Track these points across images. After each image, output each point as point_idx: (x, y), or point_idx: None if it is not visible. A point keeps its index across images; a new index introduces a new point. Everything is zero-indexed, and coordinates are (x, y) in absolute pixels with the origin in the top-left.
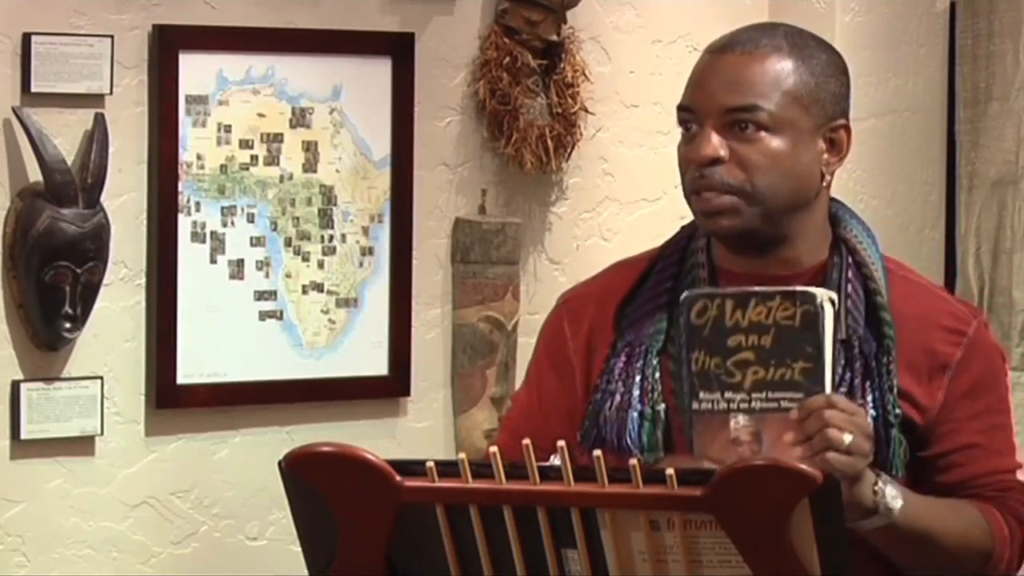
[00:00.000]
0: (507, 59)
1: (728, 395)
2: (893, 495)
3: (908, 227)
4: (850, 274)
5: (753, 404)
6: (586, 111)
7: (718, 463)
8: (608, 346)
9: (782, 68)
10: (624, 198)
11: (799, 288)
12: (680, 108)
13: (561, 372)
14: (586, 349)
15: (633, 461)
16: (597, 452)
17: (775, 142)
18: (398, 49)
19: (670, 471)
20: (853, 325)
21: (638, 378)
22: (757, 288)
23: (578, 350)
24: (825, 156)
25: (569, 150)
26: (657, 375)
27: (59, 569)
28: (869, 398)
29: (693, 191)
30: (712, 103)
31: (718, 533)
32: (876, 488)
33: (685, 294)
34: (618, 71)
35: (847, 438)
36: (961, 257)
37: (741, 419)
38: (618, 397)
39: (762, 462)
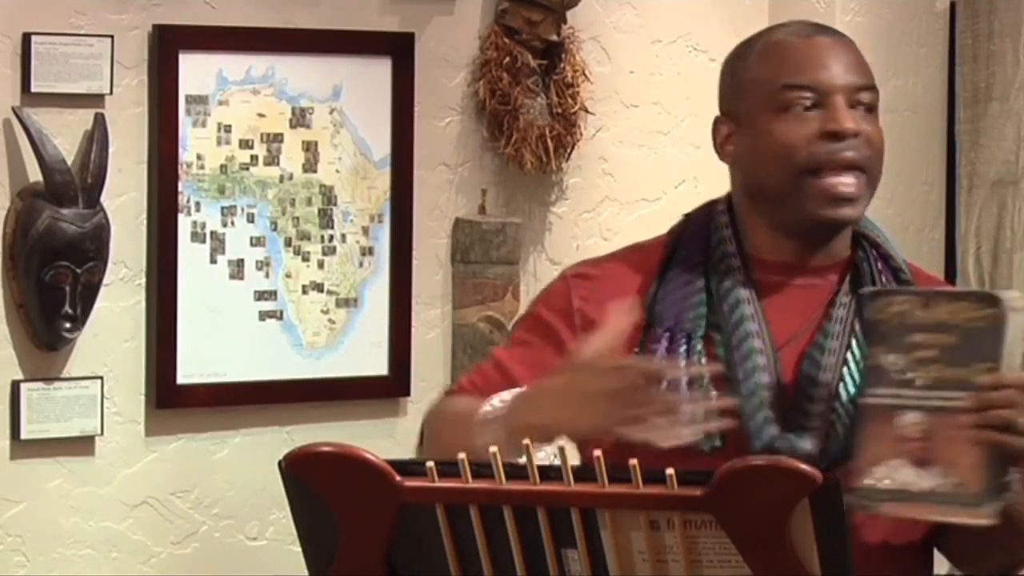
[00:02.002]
0: (507, 59)
1: (901, 392)
2: None
3: (908, 227)
4: (880, 267)
5: (929, 402)
6: (586, 111)
7: (881, 460)
8: (637, 330)
9: (862, 55)
10: (624, 198)
11: (990, 291)
12: (793, 87)
13: (555, 339)
14: (591, 326)
15: (633, 461)
16: (597, 452)
17: (878, 124)
18: (398, 49)
19: (670, 471)
20: None
21: (683, 364)
22: (946, 288)
23: (584, 324)
24: None
25: (569, 150)
26: (704, 362)
27: (59, 569)
28: None
29: (812, 171)
30: (841, 80)
31: (718, 533)
32: None
33: (864, 290)
34: (618, 71)
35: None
36: (961, 257)
37: (912, 416)
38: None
39: (762, 462)
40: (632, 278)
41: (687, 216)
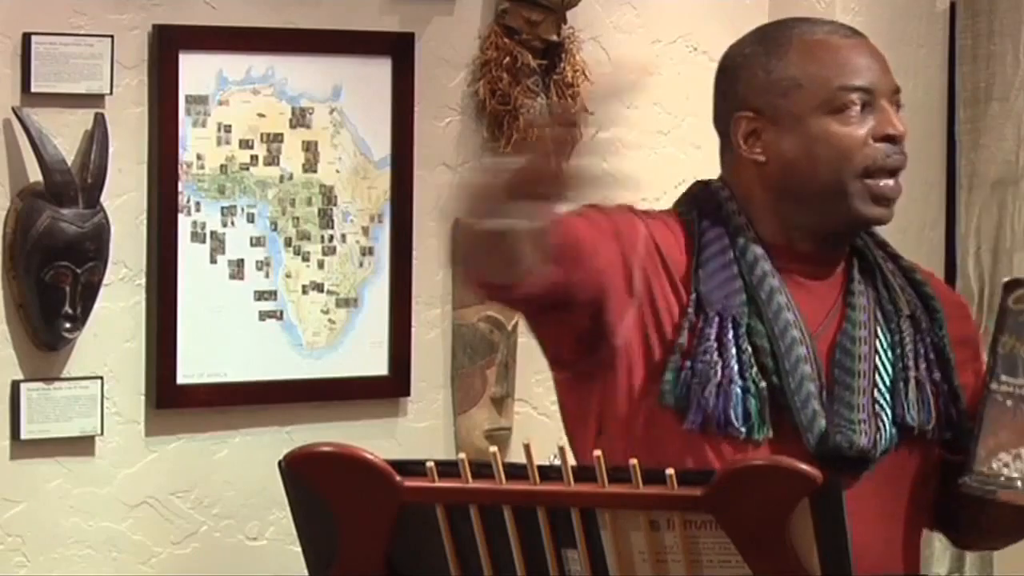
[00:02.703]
0: (507, 59)
1: None
2: None
3: (908, 227)
4: (880, 254)
5: None
6: (586, 111)
7: (1004, 447)
8: (680, 304)
9: None
10: (624, 198)
11: None
12: (852, 88)
13: (623, 243)
14: (662, 265)
15: (633, 461)
16: (597, 452)
17: None
18: (398, 49)
19: (670, 471)
20: (911, 300)
21: (734, 350)
22: None
23: (651, 253)
24: None
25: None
26: (750, 351)
27: (59, 569)
28: (938, 375)
29: (864, 174)
30: (885, 82)
31: (718, 533)
32: None
33: (1008, 279)
34: (618, 71)
35: None
36: (961, 257)
37: None
38: (719, 372)
39: (762, 462)
40: (663, 246)
41: (693, 196)
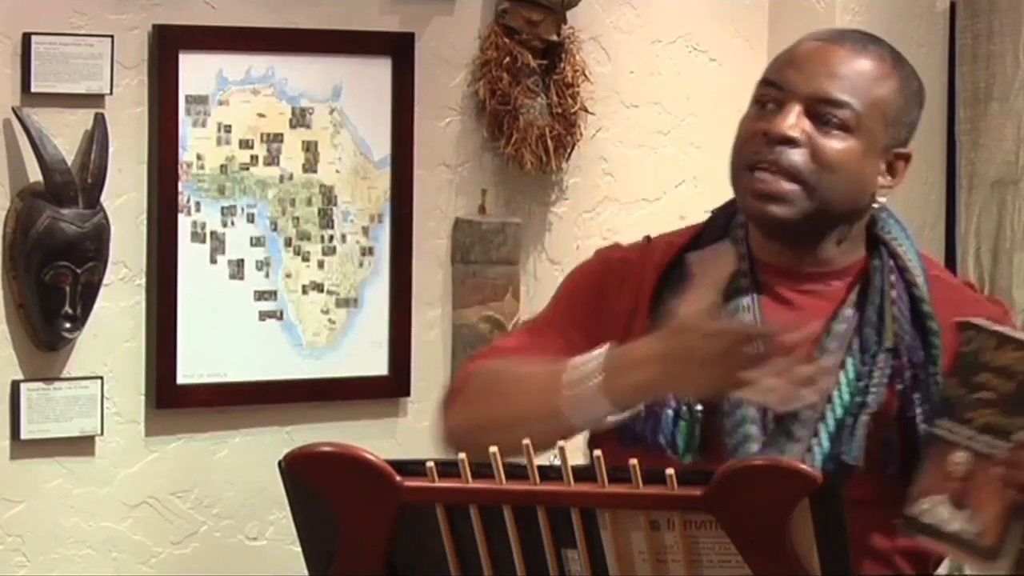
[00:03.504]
0: (507, 59)
1: (961, 429)
2: None
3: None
4: (893, 279)
5: (977, 445)
6: (586, 111)
7: (929, 492)
8: (643, 330)
9: (882, 77)
10: (624, 198)
11: None
12: (765, 82)
13: (586, 324)
14: (631, 313)
15: (633, 461)
16: (597, 452)
17: (850, 144)
18: (398, 49)
19: (670, 471)
20: (900, 332)
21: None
22: (1018, 335)
23: (622, 311)
24: (880, 178)
25: (569, 150)
26: None
27: (59, 569)
28: (919, 410)
29: (749, 167)
30: (806, 85)
31: (718, 533)
32: None
33: (960, 320)
34: (618, 71)
35: None
36: (961, 257)
37: (961, 456)
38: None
39: (762, 462)
40: (656, 271)
41: (717, 211)
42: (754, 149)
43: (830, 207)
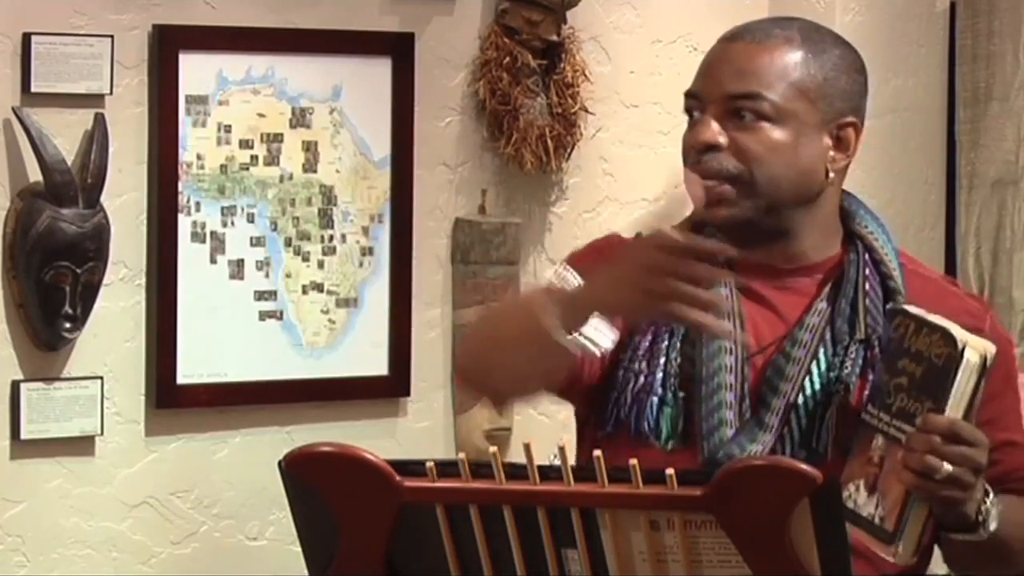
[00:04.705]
0: (507, 59)
1: (881, 415)
2: (994, 516)
3: (908, 227)
4: (867, 272)
5: (891, 430)
6: (586, 111)
7: (853, 477)
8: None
9: (790, 59)
10: (624, 198)
11: (956, 331)
12: (686, 95)
13: None
14: None
15: (633, 461)
16: (597, 452)
17: (776, 133)
18: (398, 49)
19: (670, 471)
20: (872, 324)
21: (662, 360)
22: (935, 319)
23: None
24: (831, 153)
25: (569, 150)
26: (679, 360)
27: (59, 569)
28: None
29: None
30: (716, 90)
31: (718, 533)
32: (981, 510)
33: (890, 306)
34: (618, 71)
35: (946, 468)
36: (961, 257)
37: (880, 441)
38: (641, 379)
39: (762, 462)
40: None
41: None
42: (691, 160)
43: (777, 197)
